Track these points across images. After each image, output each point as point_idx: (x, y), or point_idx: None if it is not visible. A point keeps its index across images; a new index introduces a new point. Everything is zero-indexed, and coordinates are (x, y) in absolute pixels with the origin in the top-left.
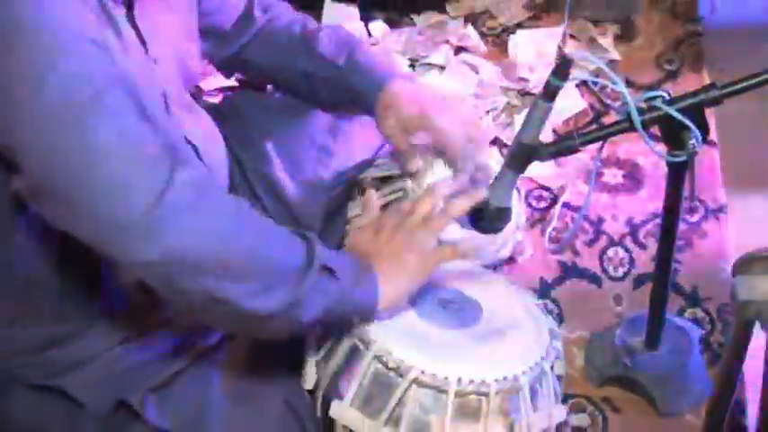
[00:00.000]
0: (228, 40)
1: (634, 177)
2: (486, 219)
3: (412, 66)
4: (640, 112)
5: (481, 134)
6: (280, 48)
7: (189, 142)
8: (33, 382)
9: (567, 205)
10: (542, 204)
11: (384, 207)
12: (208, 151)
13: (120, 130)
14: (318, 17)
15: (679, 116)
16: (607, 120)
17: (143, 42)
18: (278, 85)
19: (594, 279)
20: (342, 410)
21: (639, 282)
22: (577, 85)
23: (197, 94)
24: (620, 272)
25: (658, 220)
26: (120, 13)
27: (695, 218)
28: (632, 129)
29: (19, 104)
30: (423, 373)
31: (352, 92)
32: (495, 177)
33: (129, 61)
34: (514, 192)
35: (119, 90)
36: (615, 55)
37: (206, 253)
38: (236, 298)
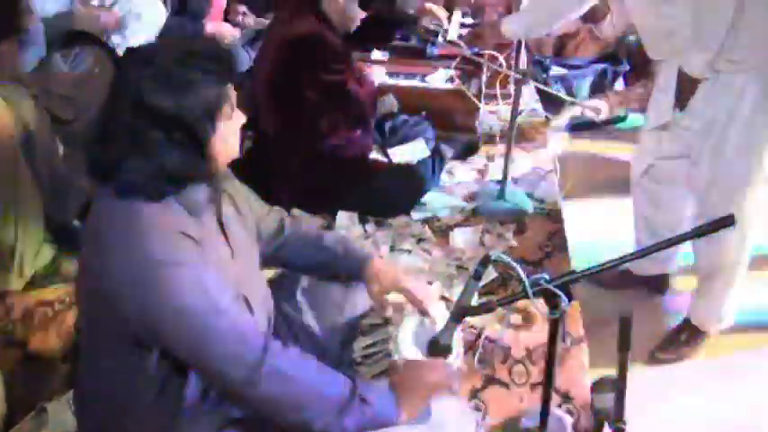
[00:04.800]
0: (267, 244)
1: (528, 320)
2: (437, 351)
3: (392, 249)
4: (531, 286)
5: (429, 293)
6: (302, 249)
7: (245, 297)
8: None
9: (487, 338)
10: (471, 337)
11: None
12: (256, 302)
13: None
14: (334, 219)
15: (555, 290)
16: (510, 285)
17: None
18: (303, 272)
19: (506, 385)
20: None
21: (534, 387)
22: None
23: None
24: (522, 380)
25: (544, 347)
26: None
27: (566, 345)
28: (527, 297)
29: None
30: None
31: (347, 269)
32: (443, 326)
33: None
34: (456, 334)
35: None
36: (514, 243)
37: (286, 404)
38: (294, 423)
